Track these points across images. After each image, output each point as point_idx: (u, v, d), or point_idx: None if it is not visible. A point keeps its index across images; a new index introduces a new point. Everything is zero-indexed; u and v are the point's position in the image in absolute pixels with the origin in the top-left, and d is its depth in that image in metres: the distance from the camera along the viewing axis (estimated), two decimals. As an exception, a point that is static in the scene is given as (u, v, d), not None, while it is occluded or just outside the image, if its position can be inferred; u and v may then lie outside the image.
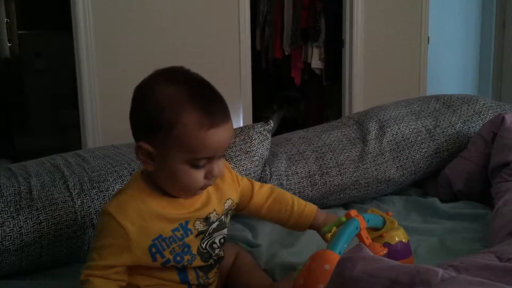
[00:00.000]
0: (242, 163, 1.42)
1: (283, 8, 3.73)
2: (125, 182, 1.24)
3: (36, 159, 1.37)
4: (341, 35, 3.26)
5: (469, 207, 1.49)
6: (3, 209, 1.14)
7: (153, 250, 0.91)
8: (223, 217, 1.00)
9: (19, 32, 4.61)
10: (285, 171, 1.52)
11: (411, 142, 1.62)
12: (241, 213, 1.14)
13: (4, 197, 1.16)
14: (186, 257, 0.94)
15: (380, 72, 3.29)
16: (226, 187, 1.03)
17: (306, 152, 1.57)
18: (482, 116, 1.70)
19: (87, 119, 2.56)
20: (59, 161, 1.33)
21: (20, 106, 4.55)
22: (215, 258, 0.99)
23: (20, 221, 1.14)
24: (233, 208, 1.04)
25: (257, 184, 1.11)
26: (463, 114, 1.70)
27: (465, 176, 1.55)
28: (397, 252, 1.04)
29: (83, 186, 1.24)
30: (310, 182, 1.52)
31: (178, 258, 0.93)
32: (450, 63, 4.25)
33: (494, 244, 1.06)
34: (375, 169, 1.57)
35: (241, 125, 2.80)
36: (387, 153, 1.60)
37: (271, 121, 1.57)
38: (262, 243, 1.29)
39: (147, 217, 0.91)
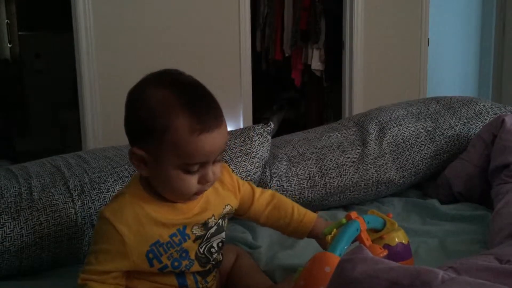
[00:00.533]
0: (242, 164, 1.43)
1: (283, 10, 3.73)
2: (125, 183, 1.24)
3: (37, 160, 1.37)
4: (341, 36, 3.26)
5: (469, 209, 1.49)
6: (4, 210, 1.14)
7: (150, 255, 0.90)
8: (220, 221, 0.99)
9: (20, 33, 4.61)
10: (285, 173, 1.52)
11: (411, 143, 1.63)
12: (240, 218, 1.14)
13: (4, 198, 1.16)
14: (184, 263, 0.93)
15: (380, 73, 3.29)
16: (226, 193, 1.02)
17: (306, 154, 1.57)
18: (482, 118, 1.70)
19: (87, 120, 2.56)
20: (60, 162, 1.33)
21: (20, 107, 4.55)
22: (213, 262, 0.98)
23: (20, 222, 1.14)
24: (231, 213, 1.04)
25: (258, 190, 1.10)
26: (463, 116, 1.70)
27: (465, 178, 1.55)
28: (397, 253, 1.04)
29: (84, 187, 1.24)
30: (310, 183, 1.52)
31: (176, 264, 0.93)
32: (450, 65, 4.25)
33: (494, 246, 1.07)
34: (375, 171, 1.57)
35: (241, 126, 2.80)
36: (387, 154, 1.60)
37: (271, 123, 1.57)
38: (262, 245, 1.29)
39: (145, 222, 0.90)
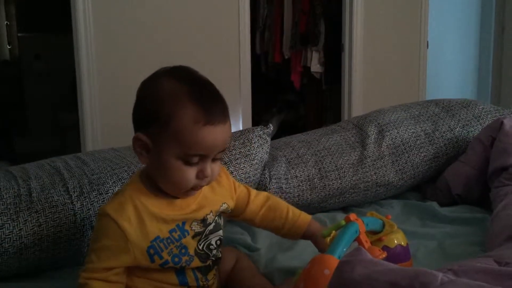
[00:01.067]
0: (242, 166, 1.43)
1: (282, 12, 3.74)
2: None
3: (36, 162, 1.37)
4: (341, 39, 3.26)
5: (468, 211, 1.49)
6: (3, 211, 1.14)
7: (151, 251, 0.91)
8: (217, 218, 1.00)
9: (19, 34, 4.61)
10: (284, 175, 1.52)
11: (410, 146, 1.63)
12: (236, 219, 1.15)
13: (3, 200, 1.16)
14: (184, 258, 0.94)
15: (379, 76, 3.29)
16: (223, 192, 1.03)
17: (306, 156, 1.57)
18: (481, 121, 1.70)
19: (87, 121, 2.56)
20: (59, 163, 1.33)
21: (19, 108, 4.55)
22: (213, 258, 0.99)
23: (19, 224, 1.14)
24: (228, 212, 1.04)
25: (253, 192, 1.11)
26: (462, 119, 1.70)
27: (464, 180, 1.55)
28: (396, 255, 1.04)
29: (83, 188, 1.24)
30: (309, 185, 1.52)
31: (176, 259, 0.93)
32: (449, 68, 4.26)
33: (493, 248, 1.07)
34: (374, 173, 1.57)
35: (241, 128, 2.80)
36: (386, 157, 1.60)
37: (271, 125, 1.57)
38: (262, 247, 1.29)
39: (145, 217, 0.91)
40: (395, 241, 1.06)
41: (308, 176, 1.53)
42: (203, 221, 0.97)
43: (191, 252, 0.95)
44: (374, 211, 1.23)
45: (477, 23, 4.26)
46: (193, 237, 0.95)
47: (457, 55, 4.29)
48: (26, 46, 4.59)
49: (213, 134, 0.88)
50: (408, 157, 1.61)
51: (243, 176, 1.42)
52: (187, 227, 0.95)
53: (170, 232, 0.93)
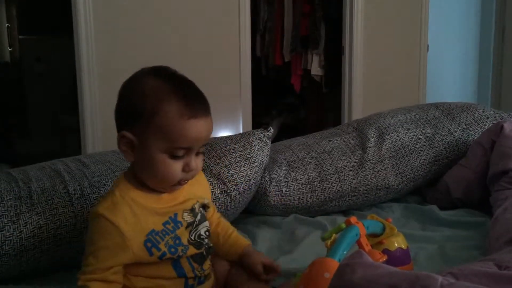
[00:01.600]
0: (242, 169, 1.43)
1: (283, 15, 3.75)
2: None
3: (37, 164, 1.37)
4: (341, 42, 3.27)
5: (468, 214, 1.49)
6: (3, 213, 1.14)
7: (149, 244, 0.93)
8: (201, 209, 1.03)
9: (20, 36, 4.62)
10: (284, 178, 1.52)
11: (410, 149, 1.63)
12: None
13: (4, 202, 1.16)
14: (180, 248, 0.96)
15: (379, 79, 3.30)
16: (202, 189, 1.07)
17: (306, 159, 1.57)
18: (481, 124, 1.71)
19: (87, 124, 2.57)
20: (60, 166, 1.33)
21: (20, 110, 4.55)
22: (206, 246, 1.01)
23: (20, 226, 1.14)
24: (208, 207, 1.07)
25: (215, 208, 1.16)
26: (462, 122, 1.71)
27: (464, 184, 1.56)
28: (396, 258, 1.04)
29: (83, 191, 1.24)
30: (310, 188, 1.52)
31: (173, 250, 0.95)
32: (449, 71, 4.27)
33: (493, 252, 1.07)
34: (374, 176, 1.57)
35: (241, 131, 2.80)
36: (386, 160, 1.60)
37: (271, 128, 1.57)
38: (262, 250, 1.29)
39: (139, 212, 0.93)
40: (396, 244, 1.06)
41: (308, 179, 1.53)
42: (192, 211, 1.00)
43: (185, 242, 0.97)
44: (375, 214, 1.23)
45: (477, 27, 4.27)
46: (186, 227, 0.98)
47: (457, 58, 4.29)
48: (27, 48, 4.60)
49: (197, 127, 0.91)
50: (408, 160, 1.61)
51: (243, 179, 1.42)
52: (179, 218, 0.98)
53: (164, 224, 0.95)
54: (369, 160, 1.59)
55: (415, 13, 3.34)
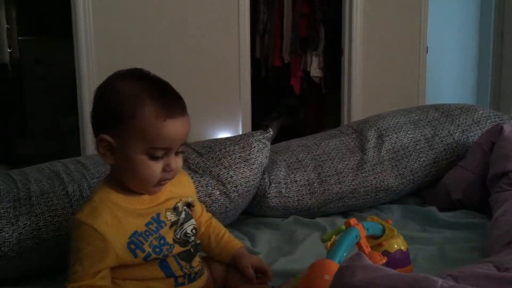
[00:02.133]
0: (241, 170, 1.43)
1: (282, 17, 3.74)
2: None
3: (36, 165, 1.37)
4: (340, 43, 3.27)
5: (467, 216, 1.49)
6: (2, 215, 1.14)
7: (132, 246, 0.93)
8: (185, 207, 1.03)
9: (20, 38, 4.62)
10: (284, 179, 1.52)
11: (410, 151, 1.63)
12: None
13: (3, 203, 1.16)
14: (165, 247, 0.96)
15: (379, 81, 3.30)
16: (185, 189, 1.07)
17: (305, 160, 1.57)
18: (480, 126, 1.71)
19: (87, 125, 2.56)
20: (59, 167, 1.33)
21: (20, 112, 4.55)
22: (193, 243, 1.01)
23: (19, 227, 1.14)
24: (192, 206, 1.06)
25: (203, 207, 1.16)
26: (462, 124, 1.71)
27: (463, 185, 1.56)
28: (396, 260, 1.04)
29: (83, 192, 1.24)
30: (309, 190, 1.52)
31: (158, 250, 0.96)
32: (448, 73, 4.27)
33: (493, 254, 1.07)
34: (374, 178, 1.57)
35: (240, 132, 2.80)
36: (385, 161, 1.60)
37: (270, 129, 1.57)
38: (261, 251, 1.29)
39: (120, 215, 0.93)
40: (395, 246, 1.06)
41: (308, 180, 1.53)
42: (175, 209, 1.00)
43: (170, 241, 0.97)
44: (374, 216, 1.23)
45: (476, 28, 4.27)
46: (170, 226, 0.98)
47: (456, 59, 4.29)
48: (27, 49, 4.60)
49: (175, 127, 0.92)
50: (408, 162, 1.61)
51: (242, 180, 1.42)
52: (162, 217, 0.98)
53: (147, 225, 0.96)
54: (369, 161, 1.59)
55: (414, 15, 3.34)
